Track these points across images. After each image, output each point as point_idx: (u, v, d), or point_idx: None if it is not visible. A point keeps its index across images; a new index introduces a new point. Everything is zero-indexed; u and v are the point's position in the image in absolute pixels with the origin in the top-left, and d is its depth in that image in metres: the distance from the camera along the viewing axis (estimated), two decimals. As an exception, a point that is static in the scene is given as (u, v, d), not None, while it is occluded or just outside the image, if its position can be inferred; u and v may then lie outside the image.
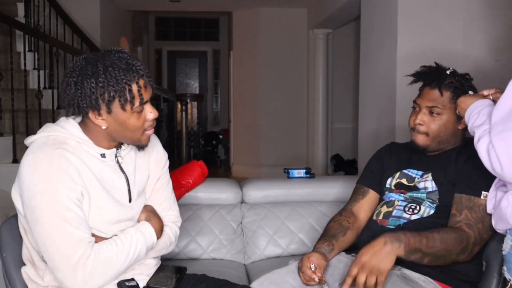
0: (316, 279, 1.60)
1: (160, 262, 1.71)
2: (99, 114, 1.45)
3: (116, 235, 1.52)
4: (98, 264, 1.42)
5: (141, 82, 1.45)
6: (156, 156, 1.71)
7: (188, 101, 4.82)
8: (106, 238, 1.52)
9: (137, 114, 1.47)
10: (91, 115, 1.45)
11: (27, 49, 4.61)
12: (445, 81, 1.79)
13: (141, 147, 1.58)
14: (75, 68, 1.44)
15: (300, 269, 1.66)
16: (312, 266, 1.62)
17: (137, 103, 1.45)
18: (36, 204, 1.40)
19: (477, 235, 1.66)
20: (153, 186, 1.70)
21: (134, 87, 1.44)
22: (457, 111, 1.74)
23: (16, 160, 3.83)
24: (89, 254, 1.41)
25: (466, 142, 1.86)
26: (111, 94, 1.41)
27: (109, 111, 1.44)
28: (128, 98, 1.43)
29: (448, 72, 1.82)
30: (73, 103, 1.44)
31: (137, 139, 1.54)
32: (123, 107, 1.44)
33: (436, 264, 1.65)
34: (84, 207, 1.46)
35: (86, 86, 1.41)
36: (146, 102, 1.48)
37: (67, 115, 1.52)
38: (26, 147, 1.52)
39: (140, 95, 1.45)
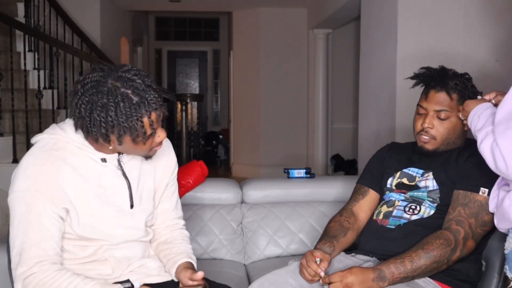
0: (322, 273, 1.59)
1: (161, 265, 1.69)
2: (109, 142, 1.44)
3: (78, 275, 1.45)
4: (34, 286, 1.40)
5: (153, 116, 1.41)
6: (165, 163, 1.69)
7: (188, 101, 4.81)
8: (114, 244, 1.54)
9: (146, 141, 1.46)
10: (101, 140, 1.44)
11: (27, 49, 4.61)
12: (451, 84, 1.77)
13: (148, 157, 1.57)
14: (85, 92, 1.38)
15: (303, 266, 1.65)
16: (318, 259, 1.62)
17: (148, 134, 1.43)
18: (14, 207, 1.43)
19: (468, 229, 1.65)
20: (162, 192, 1.69)
21: (146, 121, 1.40)
22: (460, 115, 1.74)
23: (16, 160, 3.80)
24: (31, 272, 1.40)
25: (468, 142, 1.85)
26: (122, 130, 1.39)
27: (119, 143, 1.43)
28: (140, 133, 1.41)
29: (450, 73, 1.81)
30: (82, 127, 1.42)
31: (144, 155, 1.55)
32: (134, 141, 1.43)
33: (430, 275, 1.65)
34: (72, 220, 1.46)
35: (95, 117, 1.37)
36: (157, 129, 1.46)
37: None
38: (26, 147, 1.53)
39: (152, 128, 1.42)
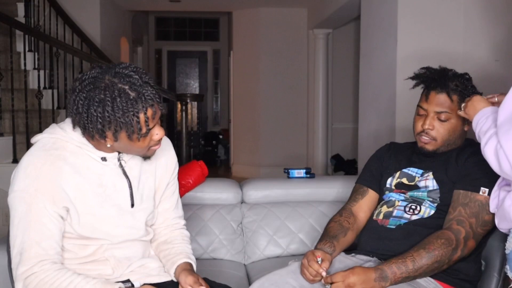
0: (324, 273, 1.59)
1: (161, 266, 1.69)
2: (104, 139, 1.44)
3: (79, 274, 1.45)
4: (35, 285, 1.40)
5: (149, 112, 1.40)
6: (166, 161, 1.69)
7: (188, 101, 4.83)
8: (114, 244, 1.53)
9: (143, 138, 1.45)
10: (97, 136, 1.44)
11: (27, 49, 4.61)
12: (451, 85, 1.77)
13: (146, 157, 1.57)
14: (83, 89, 1.39)
15: (304, 266, 1.65)
16: (319, 259, 1.62)
17: (143, 131, 1.42)
18: (14, 207, 1.43)
19: (469, 229, 1.65)
20: (163, 191, 1.69)
21: (142, 118, 1.39)
22: (462, 106, 1.68)
23: (16, 160, 3.81)
24: (32, 272, 1.40)
25: (468, 142, 1.85)
26: (118, 126, 1.39)
27: (115, 139, 1.43)
28: (135, 130, 1.41)
29: (450, 74, 1.81)
30: (79, 123, 1.43)
31: (142, 155, 1.54)
32: (129, 137, 1.43)
33: (431, 274, 1.65)
34: (73, 219, 1.46)
35: (92, 113, 1.37)
36: (153, 127, 1.45)
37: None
38: (26, 147, 1.53)
39: (147, 125, 1.41)
